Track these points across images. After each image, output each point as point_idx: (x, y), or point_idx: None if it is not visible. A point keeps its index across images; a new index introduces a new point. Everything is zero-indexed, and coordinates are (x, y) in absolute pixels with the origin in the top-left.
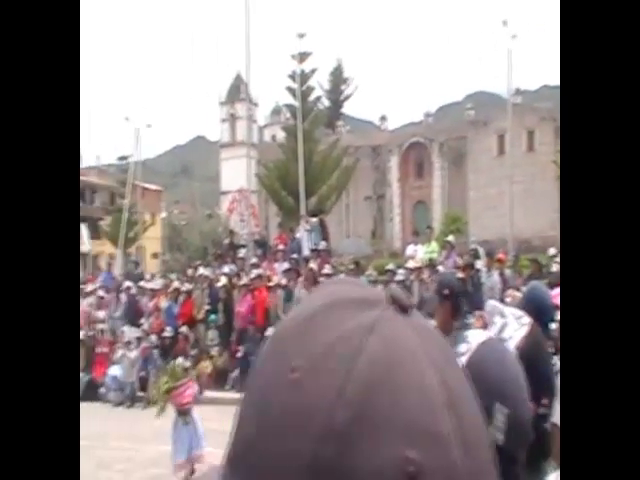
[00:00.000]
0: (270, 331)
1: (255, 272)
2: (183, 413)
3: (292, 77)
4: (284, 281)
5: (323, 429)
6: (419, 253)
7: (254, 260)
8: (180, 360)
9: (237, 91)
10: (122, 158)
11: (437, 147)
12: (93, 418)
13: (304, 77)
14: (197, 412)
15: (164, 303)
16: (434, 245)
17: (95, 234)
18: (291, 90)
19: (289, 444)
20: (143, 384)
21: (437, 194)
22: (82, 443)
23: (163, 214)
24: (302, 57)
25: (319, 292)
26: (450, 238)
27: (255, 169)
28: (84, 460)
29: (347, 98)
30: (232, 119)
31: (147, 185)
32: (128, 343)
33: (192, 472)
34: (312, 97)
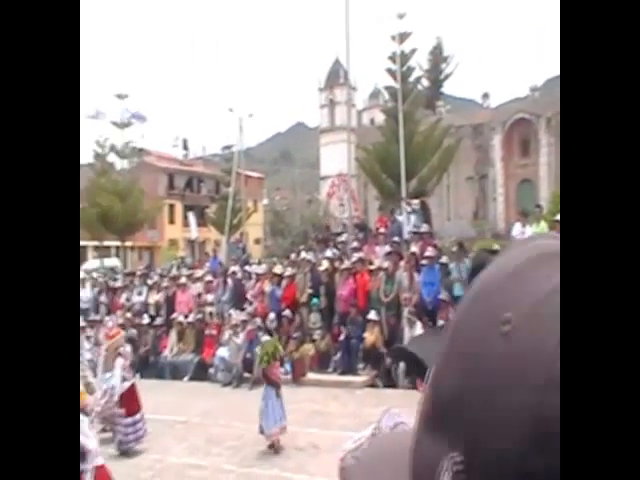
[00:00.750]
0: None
1: (356, 256)
2: (277, 387)
3: (392, 59)
4: (385, 264)
5: (546, 379)
6: (527, 233)
7: (355, 244)
8: (275, 338)
9: (336, 76)
10: (226, 147)
11: (544, 123)
12: (203, 397)
13: (404, 58)
14: (302, 393)
15: (268, 287)
16: (543, 225)
17: (202, 221)
18: (391, 72)
19: (508, 396)
20: (248, 366)
21: (544, 172)
22: (193, 420)
23: (265, 201)
24: (402, 38)
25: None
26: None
27: (354, 153)
28: (196, 435)
29: (447, 77)
30: (331, 104)
31: (250, 173)
32: (235, 326)
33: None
34: (412, 78)
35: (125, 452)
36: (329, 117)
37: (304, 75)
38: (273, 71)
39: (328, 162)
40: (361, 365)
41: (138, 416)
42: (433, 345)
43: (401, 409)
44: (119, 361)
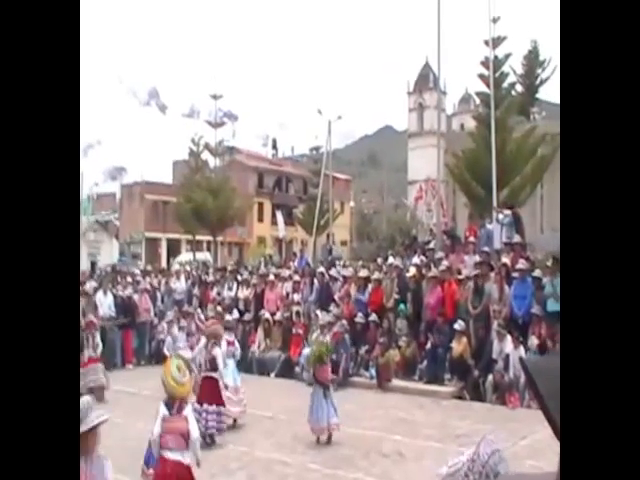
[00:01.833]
0: (459, 324)
1: (445, 264)
2: (325, 387)
3: (484, 64)
4: (474, 274)
5: None
6: None
7: (443, 252)
8: (328, 338)
9: (426, 80)
10: (314, 149)
11: None
12: (288, 395)
13: (497, 63)
14: (387, 399)
15: (354, 290)
16: None
17: (289, 220)
18: (483, 77)
19: None
20: (334, 367)
21: None
22: (280, 417)
23: (352, 203)
24: (495, 42)
25: None
26: None
27: (443, 158)
28: (282, 432)
29: (543, 82)
30: (420, 108)
31: (337, 174)
32: (322, 327)
33: (329, 438)
34: (505, 84)
35: (206, 439)
36: (418, 121)
37: (393, 78)
38: (362, 73)
39: (416, 166)
40: (448, 375)
41: (223, 408)
42: (548, 369)
43: (494, 434)
44: (217, 350)
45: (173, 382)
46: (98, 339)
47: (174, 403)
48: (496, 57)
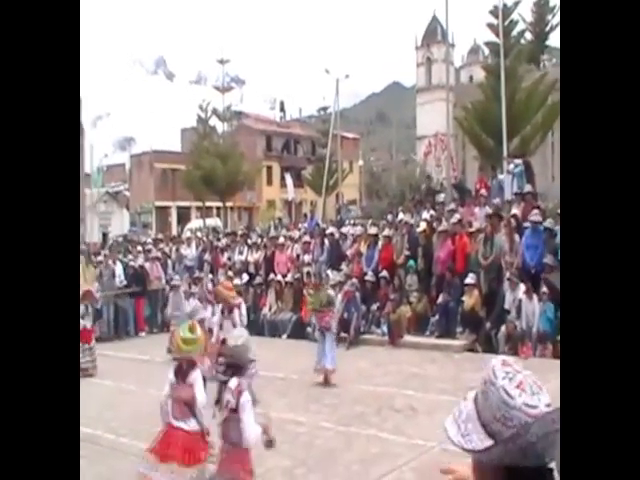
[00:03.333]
0: (470, 277)
1: (455, 217)
2: (321, 333)
3: (493, 12)
4: (485, 226)
5: None
6: None
7: (453, 205)
8: (330, 292)
9: (433, 33)
10: (322, 109)
11: None
12: (300, 355)
13: (506, 11)
14: (399, 355)
15: (364, 248)
16: None
17: (298, 182)
18: (492, 26)
19: None
20: (345, 326)
21: None
22: (292, 377)
23: (360, 162)
24: None
25: None
26: None
27: (452, 112)
28: (295, 393)
29: (553, 29)
30: (428, 62)
31: (345, 134)
32: (333, 286)
33: (326, 381)
34: (515, 32)
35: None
36: (426, 76)
37: (400, 34)
38: (368, 31)
39: (425, 122)
40: (459, 329)
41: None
42: None
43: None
44: (236, 313)
45: (180, 341)
46: (91, 309)
47: (181, 369)
48: (505, 5)
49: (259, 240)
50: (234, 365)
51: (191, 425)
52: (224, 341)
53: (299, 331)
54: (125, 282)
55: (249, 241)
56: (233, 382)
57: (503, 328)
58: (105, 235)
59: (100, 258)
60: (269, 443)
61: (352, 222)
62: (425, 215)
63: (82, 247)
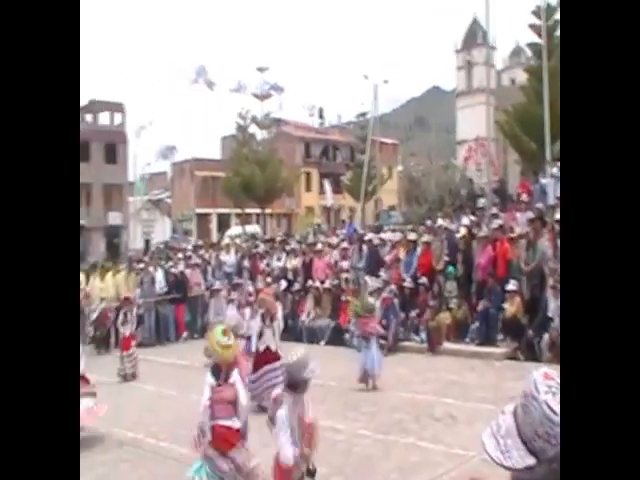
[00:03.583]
0: (512, 284)
1: (496, 222)
2: (365, 339)
3: (536, 13)
4: (527, 232)
5: None
6: None
7: (494, 210)
8: (372, 300)
9: (474, 36)
10: (361, 115)
11: None
12: (338, 361)
13: (549, 11)
14: (438, 362)
15: (403, 254)
16: None
17: (337, 189)
18: (534, 27)
19: None
20: (384, 333)
21: None
22: (330, 383)
23: (399, 167)
24: None
25: None
26: None
27: (493, 116)
28: (333, 400)
29: None
30: (468, 66)
31: (384, 139)
32: (371, 293)
33: (372, 385)
34: (558, 32)
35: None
36: (466, 79)
37: (439, 37)
38: (407, 35)
39: (465, 126)
40: (500, 336)
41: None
42: None
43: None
44: (275, 324)
45: (218, 346)
46: (133, 316)
47: (221, 372)
48: (548, 5)
49: (297, 246)
50: (289, 381)
51: (236, 422)
52: (264, 350)
53: (337, 338)
54: (166, 288)
55: (287, 247)
56: (275, 392)
57: (546, 336)
58: (148, 242)
59: (141, 265)
60: (309, 472)
61: (391, 228)
62: (465, 220)
63: (126, 254)
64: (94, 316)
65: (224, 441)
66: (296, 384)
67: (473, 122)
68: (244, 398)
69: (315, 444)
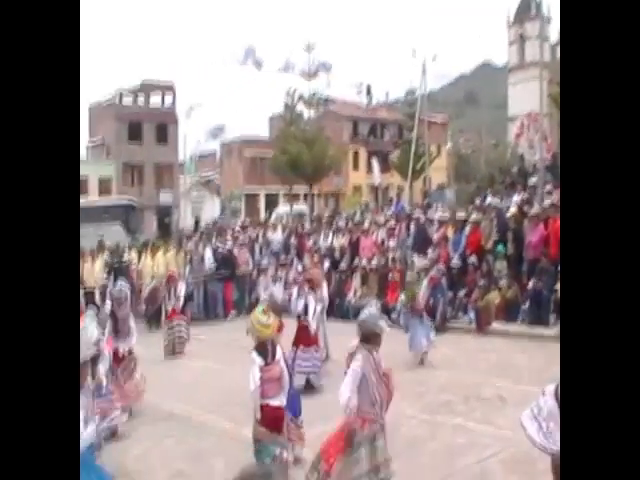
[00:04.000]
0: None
1: (548, 200)
2: (415, 317)
3: None
4: None
5: None
6: None
7: (547, 188)
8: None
9: (527, 9)
10: (409, 92)
11: None
12: (384, 340)
13: None
14: (487, 343)
15: (451, 233)
16: None
17: (385, 167)
18: None
19: None
20: (431, 312)
21: None
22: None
23: (448, 145)
24: None
25: None
26: None
27: (547, 90)
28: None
29: None
30: (521, 40)
31: (433, 117)
32: (419, 272)
33: (422, 361)
34: None
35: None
36: (518, 54)
37: (490, 12)
38: (457, 10)
39: (517, 102)
40: (552, 317)
41: (315, 352)
42: None
43: None
44: (310, 297)
45: (258, 325)
46: (180, 292)
47: (266, 350)
48: None
49: (344, 225)
50: (362, 334)
51: (283, 401)
52: (305, 327)
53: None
54: (215, 266)
55: (334, 226)
56: (351, 344)
57: None
58: (197, 221)
59: (190, 244)
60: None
61: (440, 206)
62: (516, 198)
63: (177, 233)
64: (145, 293)
65: (273, 420)
66: (369, 337)
67: (525, 97)
68: (286, 374)
69: (392, 392)
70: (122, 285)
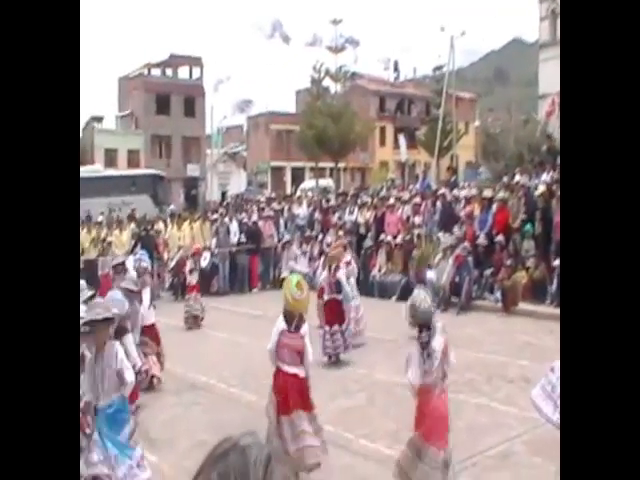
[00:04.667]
0: None
1: None
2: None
3: None
4: None
5: None
6: None
7: None
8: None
9: None
10: (437, 68)
11: None
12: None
13: None
14: (514, 323)
15: (478, 211)
16: None
17: (412, 144)
18: None
19: None
20: (456, 290)
21: None
22: (400, 340)
23: (477, 122)
24: None
25: None
26: None
27: None
28: (403, 355)
29: None
30: (553, 15)
31: (461, 94)
32: (445, 250)
33: None
34: None
35: (331, 358)
36: (550, 30)
37: None
38: None
39: (548, 79)
40: None
41: (335, 327)
42: None
43: None
44: (340, 273)
45: (291, 299)
46: (199, 266)
47: (292, 320)
48: None
49: (370, 200)
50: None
51: (302, 371)
52: (331, 302)
53: (409, 294)
54: (241, 238)
55: (359, 201)
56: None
57: None
58: (224, 194)
59: (216, 216)
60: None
61: (465, 184)
62: (545, 177)
63: (203, 205)
64: (172, 264)
65: (284, 387)
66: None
67: (557, 75)
68: (310, 353)
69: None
70: (142, 255)
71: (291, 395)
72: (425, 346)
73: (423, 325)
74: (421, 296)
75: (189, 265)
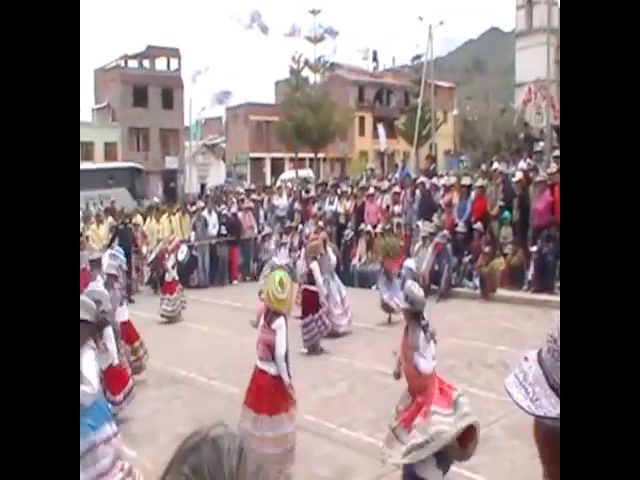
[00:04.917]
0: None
1: (554, 166)
2: (388, 276)
3: None
4: None
5: None
6: None
7: (555, 153)
8: (395, 240)
9: None
10: (415, 58)
11: None
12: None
13: None
14: (492, 309)
15: (457, 199)
16: None
17: (391, 133)
18: None
19: None
20: (435, 278)
21: None
22: (380, 329)
23: (455, 111)
24: None
25: None
26: None
27: (555, 56)
28: (383, 344)
29: None
30: (529, 5)
31: (439, 83)
32: (424, 238)
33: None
34: None
35: (315, 349)
36: (526, 19)
37: None
38: None
39: (525, 68)
40: (558, 284)
41: (323, 315)
42: None
43: None
44: (314, 264)
45: (272, 296)
46: (174, 261)
47: (268, 314)
48: None
49: (349, 190)
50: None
51: (272, 370)
52: (308, 291)
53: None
54: (218, 230)
55: (339, 191)
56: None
57: None
58: (203, 186)
59: (194, 208)
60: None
61: (446, 172)
62: (522, 164)
63: (182, 197)
64: (151, 257)
65: (257, 385)
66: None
67: (533, 64)
68: (281, 348)
69: None
70: (117, 252)
71: (257, 394)
72: (426, 329)
73: (420, 312)
74: (416, 285)
75: (170, 262)
